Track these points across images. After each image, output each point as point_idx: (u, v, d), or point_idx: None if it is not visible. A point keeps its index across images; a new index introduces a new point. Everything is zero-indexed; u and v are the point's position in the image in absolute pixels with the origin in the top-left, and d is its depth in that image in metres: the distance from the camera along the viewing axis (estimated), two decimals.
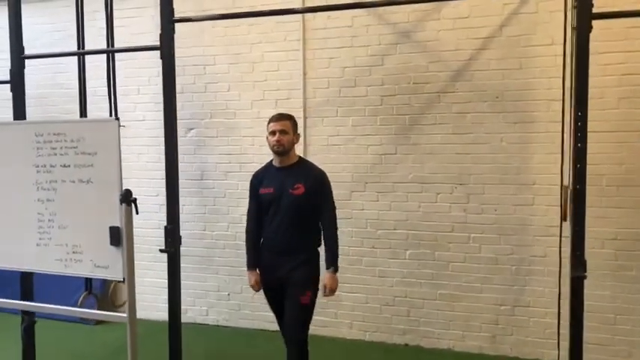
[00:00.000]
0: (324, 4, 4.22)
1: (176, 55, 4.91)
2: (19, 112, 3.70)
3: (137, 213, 3.07)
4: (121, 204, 3.03)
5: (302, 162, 3.57)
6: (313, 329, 4.56)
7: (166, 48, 3.34)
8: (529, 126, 4.18)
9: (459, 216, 4.40)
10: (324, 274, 3.36)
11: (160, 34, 3.39)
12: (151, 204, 5.15)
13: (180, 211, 3.82)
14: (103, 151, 3.12)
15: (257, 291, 3.52)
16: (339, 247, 3.42)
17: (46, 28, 5.41)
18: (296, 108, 4.68)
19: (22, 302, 3.70)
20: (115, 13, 4.44)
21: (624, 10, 3.04)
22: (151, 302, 5.23)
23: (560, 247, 3.50)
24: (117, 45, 4.52)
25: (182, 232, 3.65)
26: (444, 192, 4.42)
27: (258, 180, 3.52)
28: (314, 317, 3.84)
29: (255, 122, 4.82)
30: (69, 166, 3.21)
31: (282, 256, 3.40)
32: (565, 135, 3.29)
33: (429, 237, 4.48)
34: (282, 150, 3.40)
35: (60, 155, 3.23)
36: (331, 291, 3.36)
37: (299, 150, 4.57)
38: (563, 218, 3.45)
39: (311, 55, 4.65)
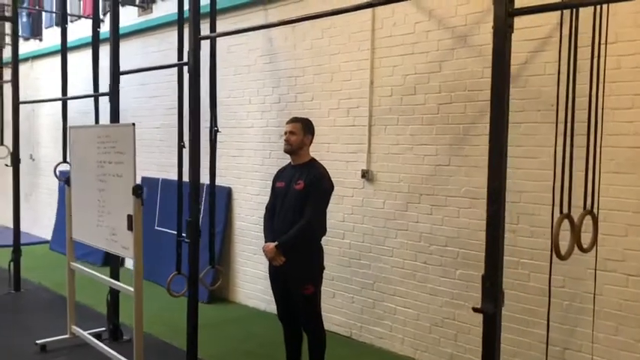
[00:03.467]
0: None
1: (273, 68, 5.48)
2: (115, 117, 4.59)
3: (142, 204, 3.62)
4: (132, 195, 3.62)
5: (311, 162, 3.85)
6: (371, 339, 4.66)
7: (193, 63, 3.82)
8: (584, 139, 3.55)
9: (507, 237, 3.92)
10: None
11: (188, 51, 3.89)
12: (253, 202, 5.73)
13: None
14: (127, 151, 3.76)
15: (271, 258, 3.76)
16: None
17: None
18: (363, 116, 4.76)
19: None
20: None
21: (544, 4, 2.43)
22: (249, 290, 5.80)
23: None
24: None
25: None
26: None
27: (277, 175, 3.97)
28: (371, 327, 4.40)
29: (331, 130, 5.01)
30: (111, 162, 3.95)
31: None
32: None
33: (476, 258, 4.11)
34: (289, 149, 3.79)
35: (107, 154, 3.99)
36: (266, 253, 3.73)
37: (361, 158, 4.68)
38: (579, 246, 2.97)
39: (378, 64, 4.67)
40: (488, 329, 2.40)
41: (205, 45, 5.00)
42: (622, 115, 3.49)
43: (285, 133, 3.80)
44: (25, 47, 9.88)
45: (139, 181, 7.23)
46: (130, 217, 3.70)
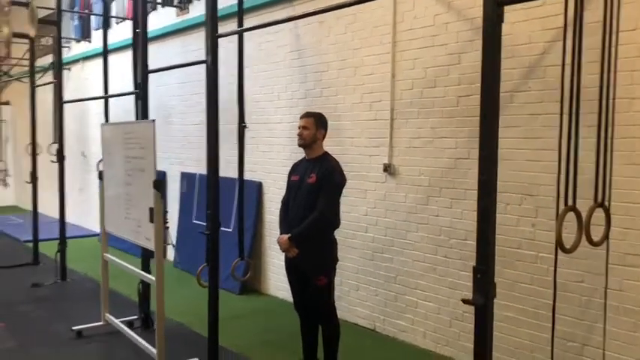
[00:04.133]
0: None
1: (300, 64, 5.56)
2: (144, 114, 4.77)
3: (162, 197, 3.76)
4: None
5: (324, 156, 3.92)
6: (394, 332, 4.69)
7: (211, 61, 3.92)
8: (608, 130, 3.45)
9: (526, 231, 3.89)
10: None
11: (207, 49, 3.99)
12: (279, 196, 5.81)
13: None
14: (148, 146, 3.92)
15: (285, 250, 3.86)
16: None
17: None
18: (385, 110, 4.76)
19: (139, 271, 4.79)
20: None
21: None
22: (279, 282, 5.91)
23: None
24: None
25: None
26: (512, 203, 3.96)
27: (292, 169, 4.06)
28: (394, 320, 4.58)
29: (355, 124, 5.04)
30: (136, 157, 4.12)
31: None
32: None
33: (496, 252, 4.04)
34: (302, 143, 3.89)
35: (132, 149, 4.16)
36: (280, 245, 3.83)
37: (384, 152, 4.70)
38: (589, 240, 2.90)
39: (399, 58, 4.66)
40: (479, 321, 2.39)
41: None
42: None
43: (299, 128, 3.87)
44: (77, 49, 10.36)
45: (178, 176, 7.49)
46: (151, 209, 3.85)
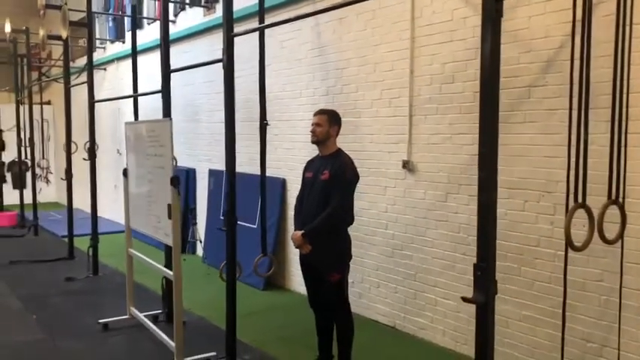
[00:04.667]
0: None
1: (322, 62, 5.58)
2: (167, 112, 4.87)
3: (179, 194, 3.84)
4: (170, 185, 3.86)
5: (337, 153, 3.94)
6: (413, 330, 4.68)
7: (228, 59, 3.98)
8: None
9: (545, 229, 3.81)
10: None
11: (223, 48, 4.04)
12: None
13: None
14: (166, 144, 4.00)
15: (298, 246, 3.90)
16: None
17: None
18: (404, 106, 4.74)
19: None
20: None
21: None
22: (296, 277, 5.95)
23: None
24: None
25: None
26: (531, 200, 3.88)
27: (306, 166, 4.10)
28: (413, 318, 4.59)
29: (374, 121, 5.02)
30: (156, 155, 4.21)
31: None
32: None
33: (515, 249, 4.00)
34: (315, 140, 3.92)
35: (153, 147, 4.25)
36: (293, 241, 3.88)
37: (402, 149, 4.68)
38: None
39: (418, 53, 4.62)
40: (480, 320, 2.37)
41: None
42: None
43: (312, 125, 3.88)
44: (111, 49, 10.63)
45: (206, 173, 7.61)
46: (169, 206, 3.94)
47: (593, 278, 3.56)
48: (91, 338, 4.73)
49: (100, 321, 4.94)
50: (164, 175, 4.04)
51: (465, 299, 2.41)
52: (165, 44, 4.83)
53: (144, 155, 4.43)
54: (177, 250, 3.91)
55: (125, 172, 4.89)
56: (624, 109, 2.84)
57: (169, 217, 3.95)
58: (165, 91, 4.86)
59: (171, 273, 4.01)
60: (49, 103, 13.88)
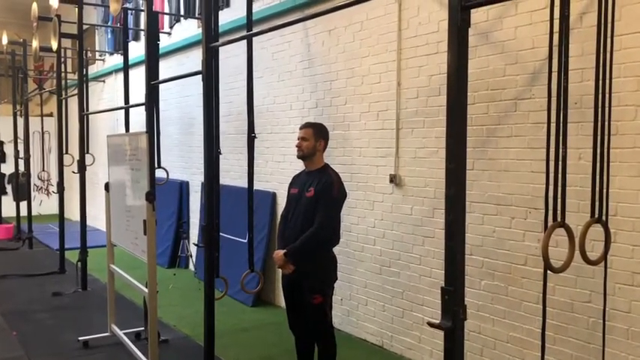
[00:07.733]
0: None
1: (311, 74, 5.49)
2: (150, 125, 4.79)
3: (154, 210, 3.74)
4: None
5: (324, 168, 3.77)
6: (401, 349, 4.54)
7: (207, 71, 3.89)
8: (612, 139, 3.21)
9: (532, 247, 3.67)
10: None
11: (202, 60, 3.96)
12: None
13: None
14: (142, 158, 3.91)
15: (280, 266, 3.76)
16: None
17: None
18: (391, 119, 4.63)
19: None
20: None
21: None
22: None
23: None
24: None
25: None
26: (518, 216, 3.75)
27: (291, 182, 3.93)
28: (401, 337, 4.49)
29: (363, 134, 4.91)
30: (133, 169, 4.12)
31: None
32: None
33: (502, 268, 3.86)
34: (301, 155, 3.77)
35: (132, 161, 4.16)
36: (275, 261, 3.73)
37: (390, 163, 4.57)
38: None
39: (404, 65, 4.51)
40: (448, 346, 2.23)
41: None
42: None
43: (298, 139, 3.75)
44: (110, 61, 10.61)
45: (198, 186, 7.52)
46: (144, 221, 3.83)
47: (582, 299, 3.41)
48: (69, 356, 4.62)
49: (80, 338, 4.83)
50: (141, 190, 3.94)
51: (431, 324, 2.28)
52: (149, 56, 4.76)
53: (123, 169, 4.34)
54: (153, 267, 3.80)
55: (107, 186, 4.80)
56: (606, 124, 2.70)
57: (144, 233, 3.85)
58: (148, 103, 4.77)
59: (146, 290, 3.89)
60: (50, 115, 13.88)
